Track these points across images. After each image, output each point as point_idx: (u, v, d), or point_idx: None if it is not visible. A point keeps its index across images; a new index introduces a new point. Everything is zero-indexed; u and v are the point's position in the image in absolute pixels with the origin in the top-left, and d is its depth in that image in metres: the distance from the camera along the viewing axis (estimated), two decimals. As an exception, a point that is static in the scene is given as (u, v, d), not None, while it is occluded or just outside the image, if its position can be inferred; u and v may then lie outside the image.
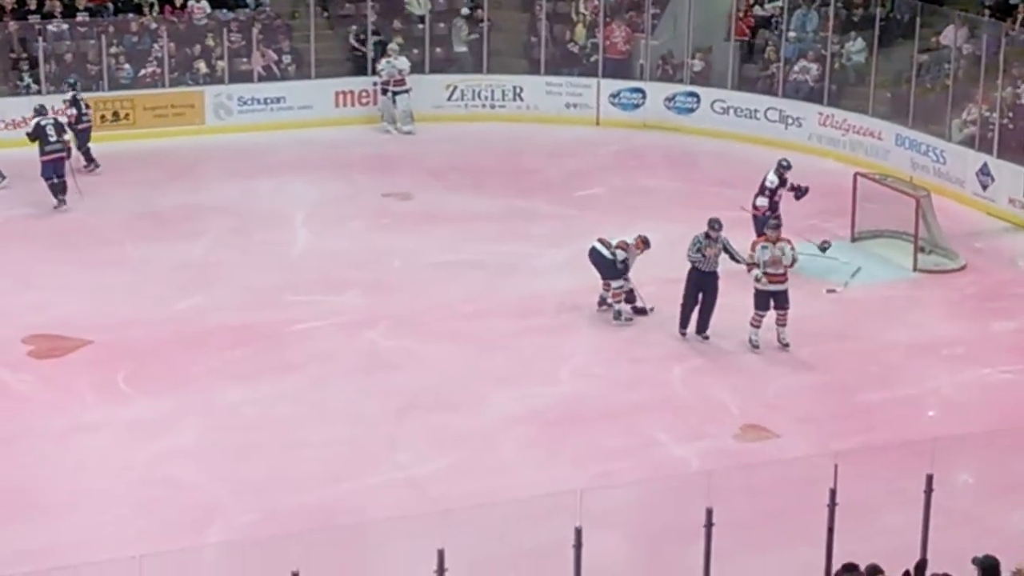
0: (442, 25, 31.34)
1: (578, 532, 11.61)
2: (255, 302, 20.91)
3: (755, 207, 22.33)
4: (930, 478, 12.71)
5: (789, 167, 22.50)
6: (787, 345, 19.68)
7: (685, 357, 19.39)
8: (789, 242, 19.87)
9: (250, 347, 19.47)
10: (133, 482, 16.21)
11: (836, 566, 12.11)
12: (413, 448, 17.08)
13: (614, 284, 20.53)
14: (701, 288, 19.92)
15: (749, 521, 13.95)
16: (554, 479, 15.83)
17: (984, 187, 25.49)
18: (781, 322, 19.73)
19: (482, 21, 30.74)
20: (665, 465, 16.66)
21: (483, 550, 13.41)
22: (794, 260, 19.82)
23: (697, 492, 12.24)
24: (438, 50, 30.89)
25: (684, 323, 19.99)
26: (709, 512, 11.88)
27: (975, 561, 11.40)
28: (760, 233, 21.09)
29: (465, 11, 31.10)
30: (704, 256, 19.84)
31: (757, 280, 19.62)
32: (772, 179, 22.37)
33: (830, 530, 12.48)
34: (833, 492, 12.37)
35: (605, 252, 20.60)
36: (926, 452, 12.88)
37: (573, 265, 22.36)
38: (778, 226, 20.23)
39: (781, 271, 19.60)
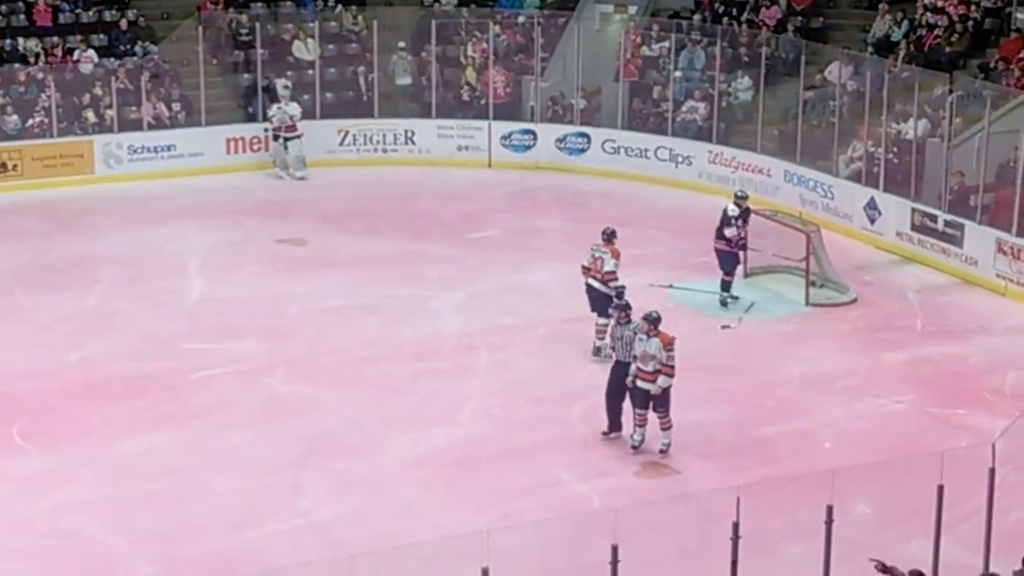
0: (332, 70, 31.39)
1: (485, 573, 11.61)
2: (151, 351, 20.75)
3: (725, 239, 22.47)
4: (830, 509, 12.85)
5: (746, 197, 22.71)
6: (663, 451, 17.83)
7: (584, 395, 19.42)
8: (660, 337, 17.55)
9: (147, 396, 19.30)
10: (32, 536, 15.97)
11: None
12: (315, 493, 17.00)
13: (601, 321, 20.30)
14: (622, 379, 17.97)
15: (654, 557, 14.01)
16: (458, 521, 15.86)
17: (872, 221, 25.89)
18: (662, 426, 17.86)
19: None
20: (568, 504, 16.71)
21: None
22: (662, 365, 17.53)
23: (601, 530, 12.28)
24: (328, 95, 30.92)
25: (612, 425, 18.21)
26: (614, 549, 11.92)
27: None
28: (728, 271, 21.90)
29: (401, 46, 31.21)
30: (617, 342, 18.09)
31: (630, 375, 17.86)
32: (733, 209, 22.54)
33: (734, 563, 12.56)
34: (736, 526, 12.47)
35: (599, 286, 20.59)
36: (825, 483, 13.02)
37: (469, 307, 22.52)
38: (654, 319, 17.65)
39: (649, 369, 17.65)
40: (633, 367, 17.66)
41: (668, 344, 17.48)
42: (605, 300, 20.15)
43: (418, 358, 20.63)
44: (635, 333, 17.73)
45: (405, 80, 31.41)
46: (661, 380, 17.51)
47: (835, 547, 12.85)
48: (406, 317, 22.19)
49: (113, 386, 19.59)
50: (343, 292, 23.09)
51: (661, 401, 17.65)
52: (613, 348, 18.22)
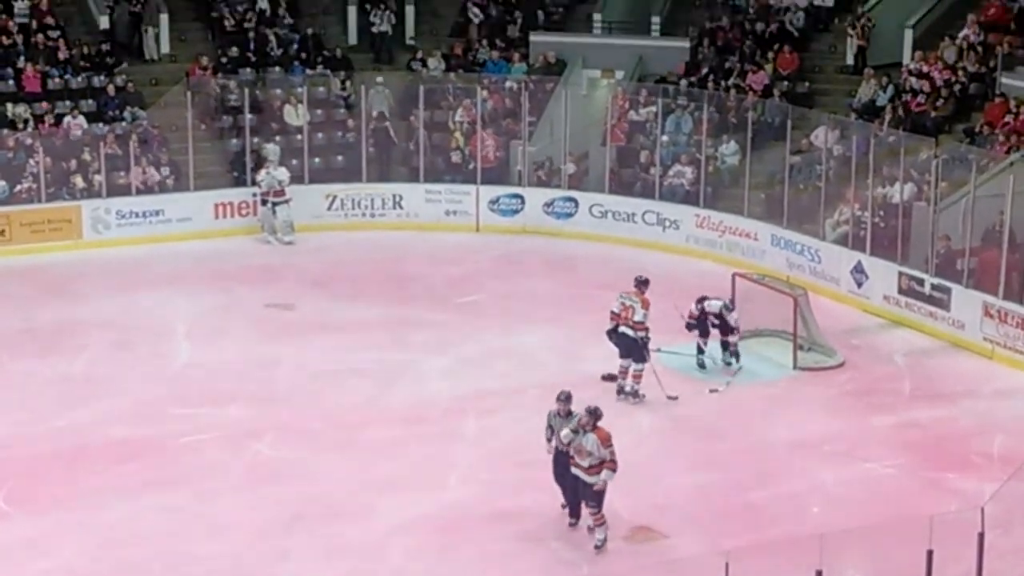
0: (320, 136, 31.51)
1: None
2: (139, 416, 20.71)
3: (689, 312, 22.54)
4: (819, 574, 12.84)
5: (732, 310, 22.73)
6: (599, 547, 17.04)
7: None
8: (598, 432, 16.91)
9: (135, 462, 19.24)
10: (17, 603, 15.96)
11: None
12: (302, 560, 16.92)
13: (636, 366, 20.91)
14: (566, 471, 17.38)
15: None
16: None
17: (859, 284, 25.95)
18: (595, 522, 17.10)
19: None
20: (558, 569, 16.67)
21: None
22: (601, 460, 16.82)
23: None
24: (316, 160, 31.02)
25: (572, 512, 17.58)
26: (604, 614, 11.92)
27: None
28: (701, 331, 22.26)
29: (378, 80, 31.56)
30: (555, 433, 17.51)
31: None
32: (713, 305, 22.57)
33: (723, 628, 12.57)
34: (725, 590, 12.48)
35: (632, 333, 20.91)
36: (814, 548, 13.02)
37: (457, 371, 22.52)
38: (594, 413, 17.05)
39: (585, 464, 16.92)
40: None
41: (605, 441, 16.81)
42: (635, 346, 20.71)
43: (406, 423, 20.60)
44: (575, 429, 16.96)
45: (382, 108, 31.67)
46: (605, 474, 16.79)
47: (825, 612, 12.84)
48: (394, 381, 22.19)
49: (100, 451, 19.53)
50: (331, 356, 23.07)
51: (594, 496, 16.91)
52: (549, 439, 17.57)
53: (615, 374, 21.72)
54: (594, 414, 16.97)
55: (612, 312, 21.36)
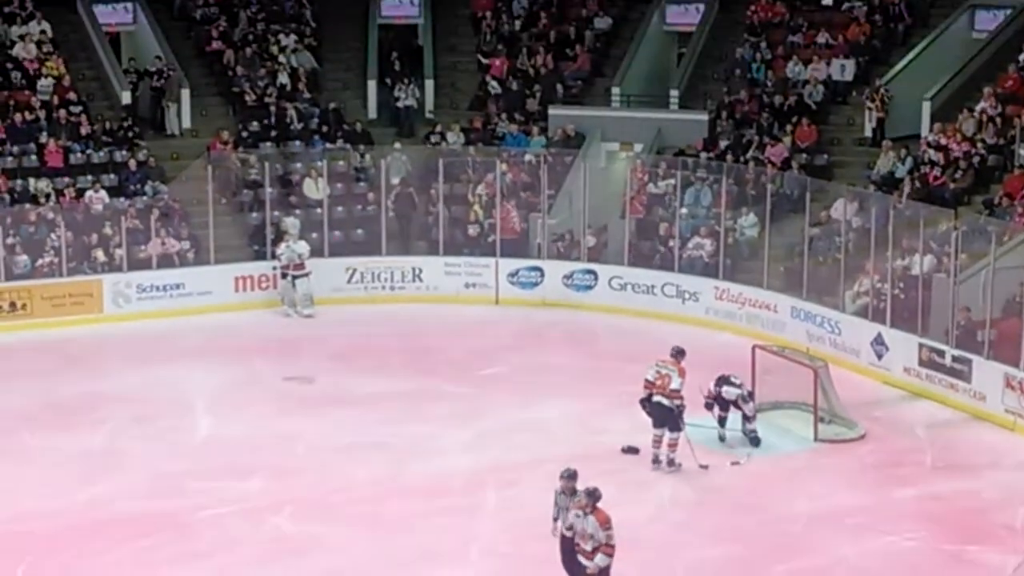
0: (340, 209, 31.63)
1: None
2: (158, 490, 20.68)
3: (708, 391, 22.49)
4: (843, 648, 12.77)
5: (749, 400, 22.58)
6: None
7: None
8: (597, 515, 16.40)
9: (154, 536, 19.19)
10: None
11: None
12: (323, 634, 16.90)
13: (671, 435, 21.10)
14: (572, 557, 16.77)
15: None
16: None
17: (879, 356, 25.89)
18: None
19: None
20: (577, 645, 16.56)
21: None
22: (600, 544, 16.33)
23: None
24: (336, 233, 31.12)
25: None
26: None
27: None
28: (721, 407, 22.26)
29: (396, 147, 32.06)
30: (561, 511, 17.18)
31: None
32: (731, 393, 22.52)
33: None
34: (748, 665, 12.38)
35: (667, 403, 21.07)
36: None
37: (478, 444, 22.48)
38: (593, 495, 16.53)
39: (588, 547, 16.41)
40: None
41: (604, 523, 16.29)
42: (671, 415, 20.95)
43: (427, 496, 20.53)
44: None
45: (401, 175, 31.92)
46: (599, 559, 16.33)
47: None
48: (414, 454, 22.14)
49: (120, 525, 19.49)
50: (351, 430, 23.06)
51: None
52: (556, 517, 17.37)
53: (636, 447, 21.69)
54: (592, 495, 16.43)
55: (647, 380, 21.41)
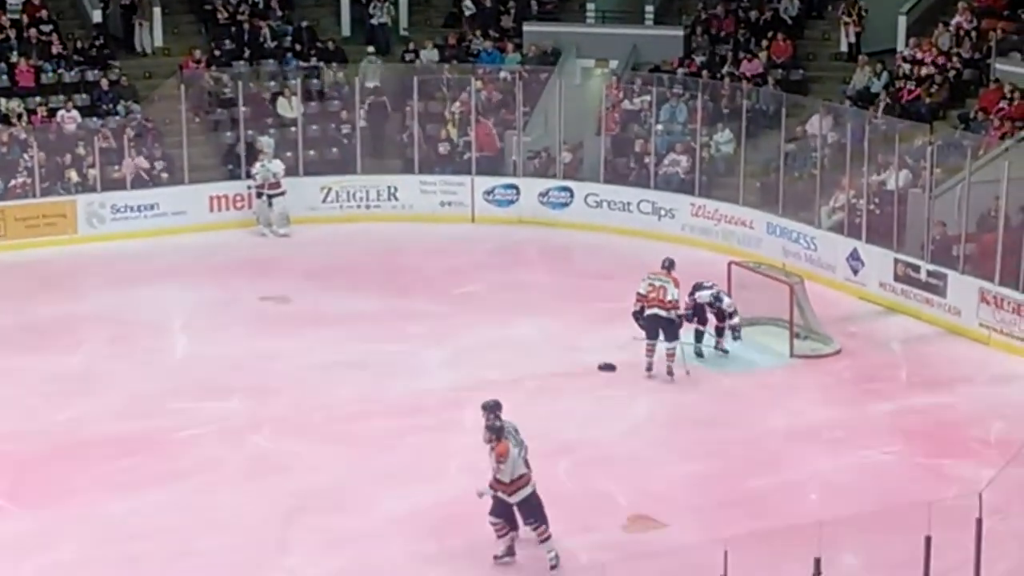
0: (314, 128, 31.47)
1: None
2: (136, 411, 20.70)
3: (685, 304, 22.45)
4: (817, 561, 12.87)
5: (723, 296, 22.76)
6: (553, 566, 16.37)
7: (570, 449, 19.43)
8: (498, 447, 16.31)
9: (133, 456, 19.22)
10: (17, 599, 15.96)
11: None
12: (302, 552, 16.92)
13: (668, 345, 21.46)
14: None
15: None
16: (446, 577, 15.88)
17: (855, 272, 25.96)
18: (538, 538, 16.45)
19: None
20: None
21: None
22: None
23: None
24: (311, 152, 30.99)
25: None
26: (603, 604, 11.92)
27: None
28: (700, 320, 22.50)
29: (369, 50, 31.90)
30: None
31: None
32: (703, 296, 22.64)
33: (722, 617, 12.57)
34: (724, 579, 12.48)
35: (664, 313, 21.38)
36: (812, 536, 13.02)
37: (455, 362, 22.52)
38: (494, 427, 16.46)
39: (506, 479, 16.27)
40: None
41: (500, 456, 16.21)
42: (668, 325, 21.35)
43: (404, 414, 20.59)
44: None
45: (375, 82, 31.85)
46: (482, 487, 16.38)
47: (823, 599, 12.85)
48: (392, 373, 22.18)
49: (98, 446, 19.51)
50: (328, 349, 23.06)
51: (525, 511, 16.36)
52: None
53: (613, 364, 21.79)
54: (492, 428, 16.39)
55: (638, 294, 21.65)
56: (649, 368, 21.68)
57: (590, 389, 21.52)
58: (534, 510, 16.37)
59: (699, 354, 22.58)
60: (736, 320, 22.61)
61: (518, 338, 23.53)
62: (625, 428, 20.28)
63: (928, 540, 13.27)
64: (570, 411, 20.71)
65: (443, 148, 31.14)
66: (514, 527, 16.54)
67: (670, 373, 21.68)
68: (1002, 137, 26.20)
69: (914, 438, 20.01)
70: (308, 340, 23.45)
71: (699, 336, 22.70)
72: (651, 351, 21.70)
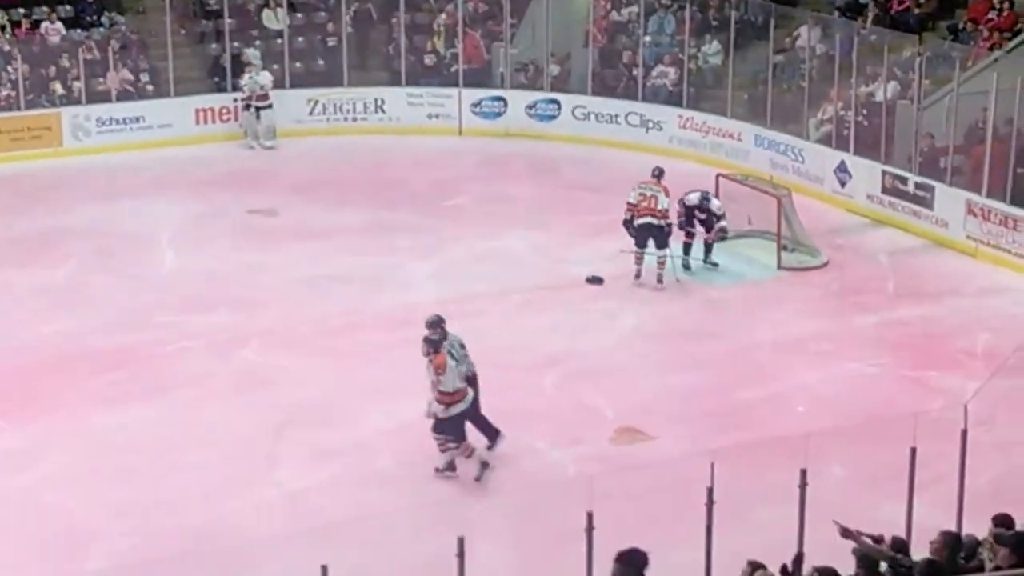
0: (300, 40, 31.25)
1: (460, 541, 11.61)
2: (123, 324, 20.69)
3: (677, 212, 22.49)
4: (803, 472, 12.88)
5: (711, 197, 22.80)
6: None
7: (558, 362, 19.50)
8: (435, 359, 16.57)
9: (120, 370, 19.25)
10: (5, 511, 15.96)
11: (715, 564, 12.32)
12: (291, 465, 17.02)
13: (659, 253, 21.66)
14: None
15: (629, 524, 14.04)
16: (434, 490, 15.98)
17: (842, 184, 25.94)
18: (439, 448, 16.65)
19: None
20: (542, 471, 16.76)
21: (366, 564, 13.40)
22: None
23: (576, 497, 12.29)
24: (297, 64, 30.79)
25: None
26: (589, 516, 11.94)
27: (854, 552, 11.63)
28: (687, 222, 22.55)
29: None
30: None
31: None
32: (692, 199, 22.64)
33: (708, 528, 12.60)
34: (710, 491, 12.50)
35: (655, 221, 21.52)
36: (798, 447, 13.06)
37: (442, 275, 22.51)
38: (431, 340, 16.73)
39: (433, 394, 16.53)
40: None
41: (438, 367, 16.42)
42: (662, 233, 21.54)
43: (392, 328, 20.55)
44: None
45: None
46: (434, 406, 16.50)
47: (809, 510, 12.88)
48: (379, 287, 22.18)
49: (86, 360, 19.52)
50: (316, 262, 23.03)
51: (444, 426, 16.52)
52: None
53: (600, 276, 21.81)
54: (427, 342, 16.51)
55: (628, 203, 21.71)
56: (638, 276, 21.78)
57: (578, 302, 21.53)
58: (454, 427, 16.41)
59: (687, 266, 22.59)
60: (724, 223, 22.60)
61: (505, 251, 23.53)
62: (612, 341, 20.33)
63: (913, 451, 13.31)
64: (557, 324, 20.74)
65: (430, 60, 30.94)
66: (459, 440, 16.57)
67: (660, 281, 21.77)
68: (991, 48, 26.07)
69: (900, 350, 20.09)
70: (295, 253, 23.42)
71: (687, 248, 22.69)
72: (640, 259, 21.75)
